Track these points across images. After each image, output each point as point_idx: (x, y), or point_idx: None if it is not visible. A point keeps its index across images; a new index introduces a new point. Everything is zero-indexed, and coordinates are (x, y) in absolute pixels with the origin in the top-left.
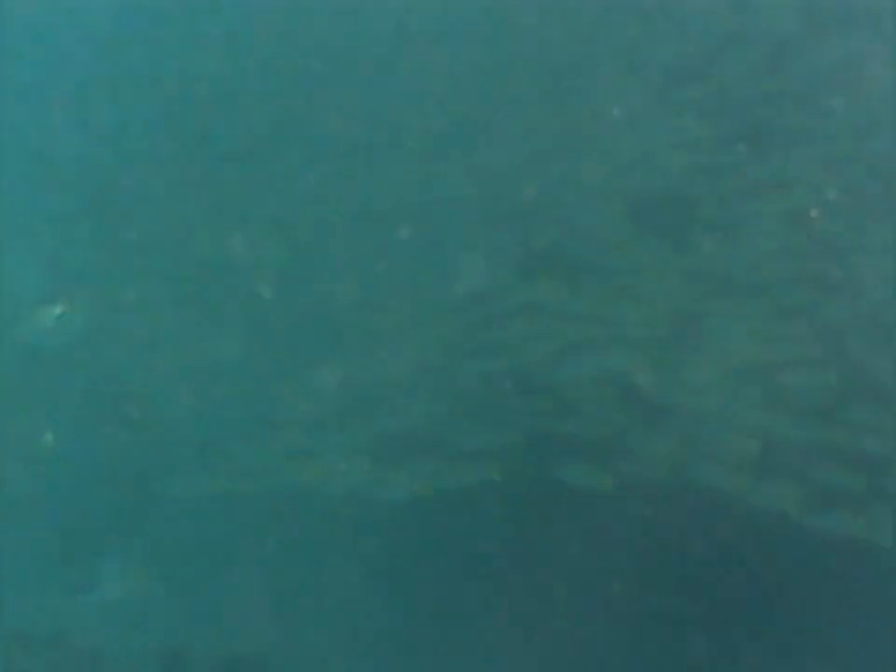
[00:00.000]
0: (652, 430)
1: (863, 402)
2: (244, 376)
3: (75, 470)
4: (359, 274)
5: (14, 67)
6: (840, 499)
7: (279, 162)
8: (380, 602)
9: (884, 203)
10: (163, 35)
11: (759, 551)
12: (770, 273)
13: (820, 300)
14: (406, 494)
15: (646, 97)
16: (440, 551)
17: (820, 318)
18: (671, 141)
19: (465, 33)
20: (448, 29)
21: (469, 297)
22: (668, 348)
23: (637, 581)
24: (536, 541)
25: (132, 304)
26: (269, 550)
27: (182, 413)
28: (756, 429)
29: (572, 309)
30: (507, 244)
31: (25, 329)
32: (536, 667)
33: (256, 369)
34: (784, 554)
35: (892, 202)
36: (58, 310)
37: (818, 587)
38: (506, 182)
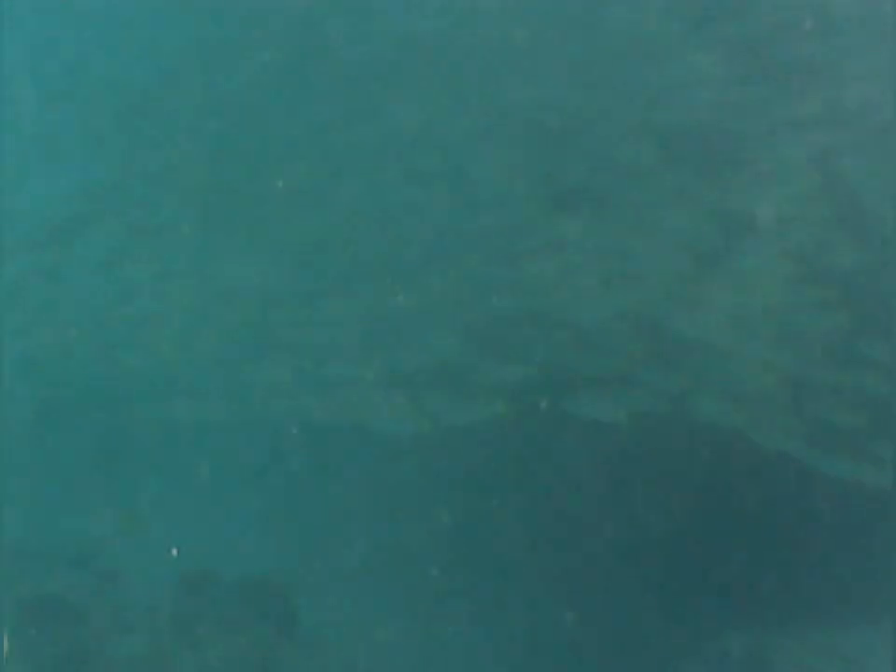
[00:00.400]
0: (666, 365)
1: (875, 343)
2: (264, 301)
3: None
4: (382, 202)
5: None
6: (844, 440)
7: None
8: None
9: None
10: None
11: (761, 489)
12: (792, 213)
13: (839, 241)
14: (416, 427)
15: (678, 29)
16: (449, 484)
17: (838, 261)
18: (700, 76)
19: None
20: None
21: (493, 230)
22: (687, 284)
23: (643, 512)
24: (544, 473)
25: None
26: (274, 476)
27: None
28: (769, 367)
29: (593, 243)
30: (533, 176)
31: None
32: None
33: (276, 294)
34: (786, 493)
35: None
36: None
37: (816, 527)
38: (533, 114)
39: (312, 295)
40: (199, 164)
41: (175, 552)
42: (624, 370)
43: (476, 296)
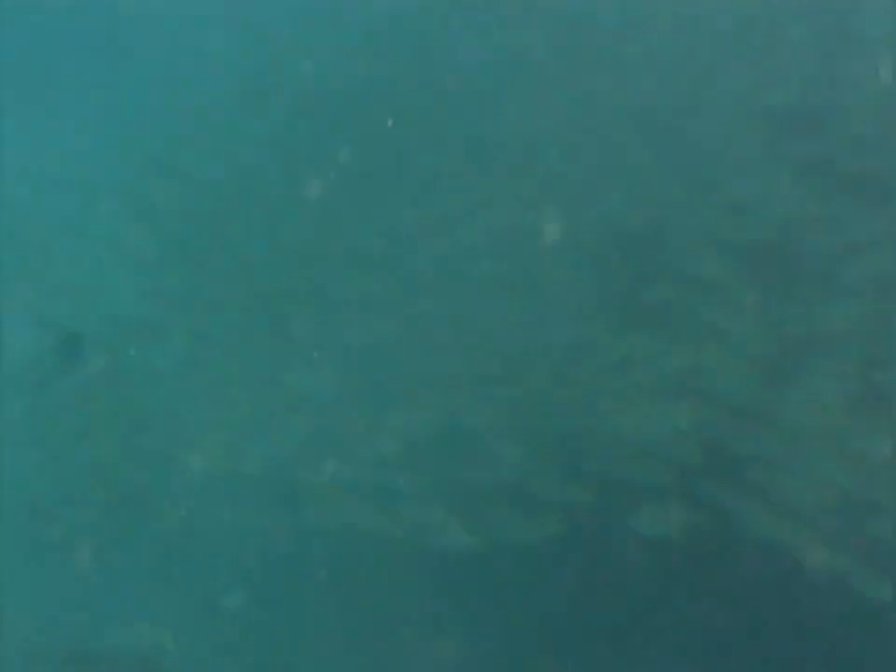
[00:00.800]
0: (722, 479)
1: None
2: (324, 410)
3: None
4: (452, 313)
5: None
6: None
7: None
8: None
9: None
10: None
11: (814, 612)
12: (859, 333)
13: None
14: (470, 543)
15: (756, 144)
16: (502, 605)
17: None
18: (776, 190)
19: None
20: None
21: (560, 348)
22: (753, 400)
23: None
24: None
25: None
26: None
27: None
28: (830, 487)
29: (663, 360)
30: (604, 292)
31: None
32: None
33: (338, 403)
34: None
35: None
36: None
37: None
38: (606, 228)
39: (376, 405)
40: (268, 271)
41: None
42: (680, 484)
43: (539, 413)
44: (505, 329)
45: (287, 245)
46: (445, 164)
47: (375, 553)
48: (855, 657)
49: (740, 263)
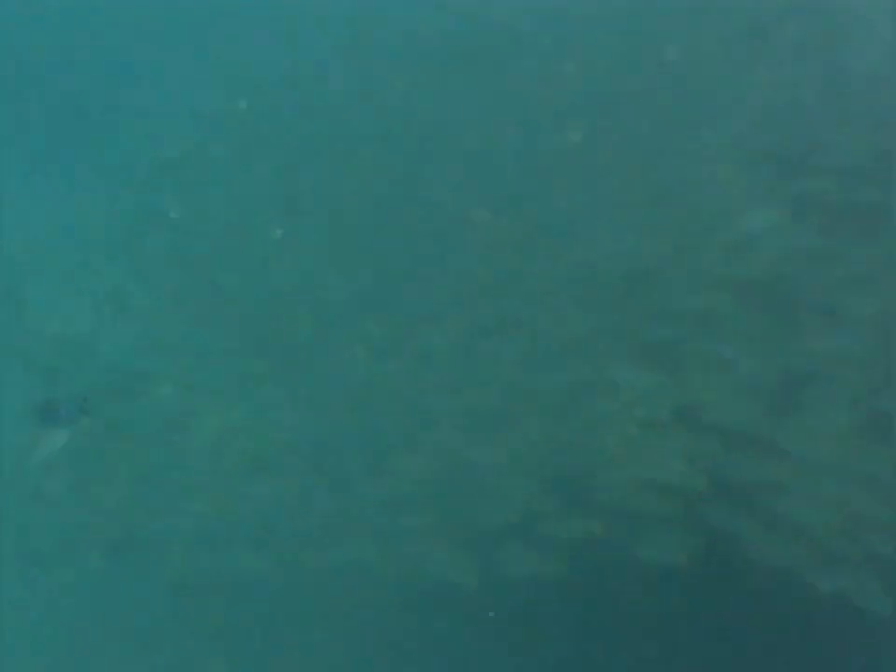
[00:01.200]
0: (732, 507)
1: None
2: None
3: None
4: (454, 354)
5: None
6: None
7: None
8: None
9: None
10: None
11: (824, 634)
12: (859, 364)
13: None
14: (474, 580)
15: (754, 181)
16: (508, 642)
17: None
18: (771, 228)
19: None
20: None
21: (566, 385)
22: (757, 429)
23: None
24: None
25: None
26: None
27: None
28: (835, 509)
29: (668, 394)
30: (605, 330)
31: None
32: None
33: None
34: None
35: None
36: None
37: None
38: (606, 268)
39: (379, 445)
40: (267, 316)
41: None
42: (686, 513)
43: (545, 449)
44: (509, 367)
45: (284, 289)
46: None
47: (377, 592)
48: None
49: (741, 298)
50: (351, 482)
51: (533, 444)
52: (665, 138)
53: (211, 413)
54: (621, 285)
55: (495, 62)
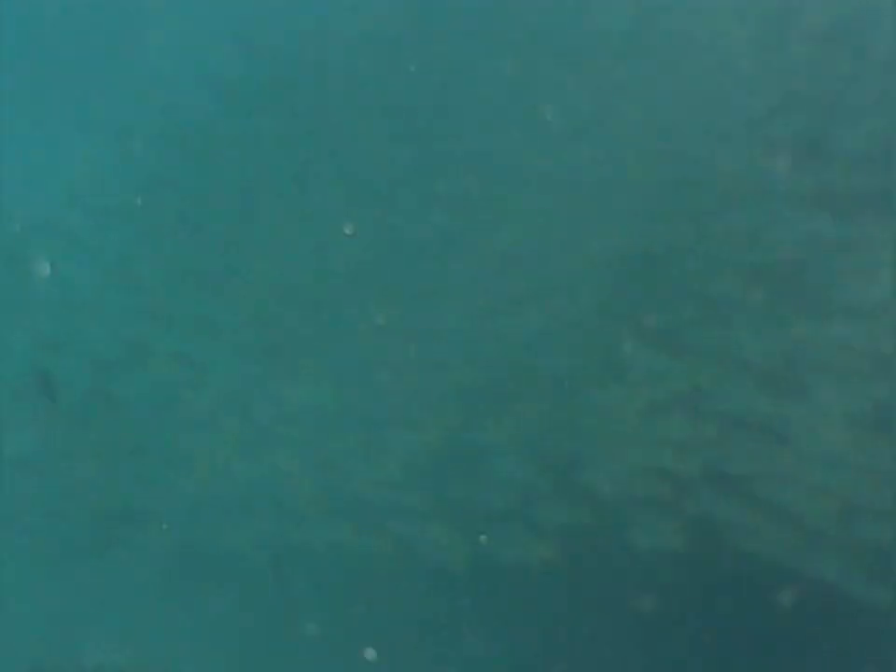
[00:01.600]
0: (726, 493)
1: None
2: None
3: None
4: (465, 331)
5: None
6: None
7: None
8: None
9: None
10: None
11: (817, 619)
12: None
13: None
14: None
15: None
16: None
17: None
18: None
19: None
20: None
21: (566, 366)
22: (757, 415)
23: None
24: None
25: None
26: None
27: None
28: (831, 497)
29: (668, 378)
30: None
31: None
32: None
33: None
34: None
35: None
36: None
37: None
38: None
39: (375, 422)
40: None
41: None
42: (679, 498)
43: (541, 430)
44: (514, 347)
45: (287, 261)
46: (452, 182)
47: (362, 571)
48: (857, 663)
49: (749, 284)
50: (346, 459)
51: (532, 427)
52: (681, 122)
53: (207, 385)
54: (633, 268)
55: None
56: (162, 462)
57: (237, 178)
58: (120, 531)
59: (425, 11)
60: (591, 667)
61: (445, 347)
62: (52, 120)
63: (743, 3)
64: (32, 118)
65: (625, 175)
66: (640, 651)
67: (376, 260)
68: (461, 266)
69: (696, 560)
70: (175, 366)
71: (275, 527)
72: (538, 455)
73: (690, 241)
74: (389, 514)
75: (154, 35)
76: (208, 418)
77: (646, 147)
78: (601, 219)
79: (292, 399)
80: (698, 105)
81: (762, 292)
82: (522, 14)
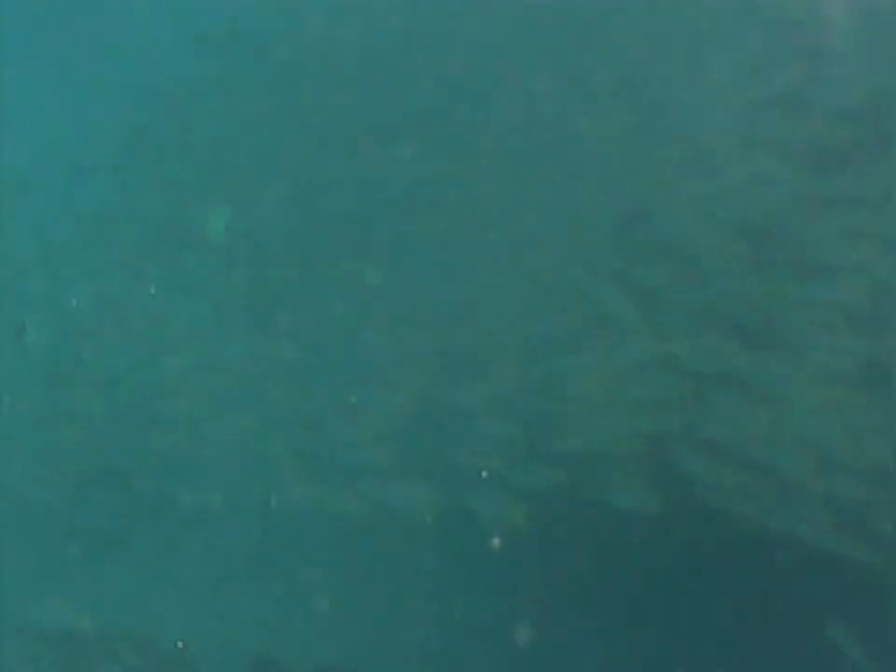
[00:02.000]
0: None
1: None
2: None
3: None
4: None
5: None
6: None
7: None
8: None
9: None
10: None
11: (801, 578)
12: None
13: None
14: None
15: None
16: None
17: None
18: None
19: None
20: None
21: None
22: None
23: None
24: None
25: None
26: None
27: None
28: (814, 454)
29: (647, 336)
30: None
31: None
32: None
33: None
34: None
35: None
36: None
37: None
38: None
39: (353, 382)
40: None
41: None
42: (659, 457)
43: (517, 391)
44: (495, 308)
45: (266, 221)
46: (432, 137)
47: (338, 530)
48: (835, 619)
49: (735, 243)
50: (322, 417)
51: (508, 387)
52: (665, 78)
53: (182, 343)
54: (612, 227)
55: None
56: (136, 422)
57: (217, 133)
58: (95, 493)
59: None
60: (566, 627)
61: (423, 307)
62: (33, 76)
63: None
64: (11, 73)
65: (606, 131)
66: (617, 611)
67: (355, 216)
68: (440, 225)
69: (676, 519)
70: (149, 324)
71: (251, 486)
72: (514, 415)
73: (669, 199)
74: (365, 473)
75: None
76: (183, 377)
77: (628, 103)
78: (578, 178)
79: (269, 358)
80: (681, 58)
81: (742, 250)
82: None
